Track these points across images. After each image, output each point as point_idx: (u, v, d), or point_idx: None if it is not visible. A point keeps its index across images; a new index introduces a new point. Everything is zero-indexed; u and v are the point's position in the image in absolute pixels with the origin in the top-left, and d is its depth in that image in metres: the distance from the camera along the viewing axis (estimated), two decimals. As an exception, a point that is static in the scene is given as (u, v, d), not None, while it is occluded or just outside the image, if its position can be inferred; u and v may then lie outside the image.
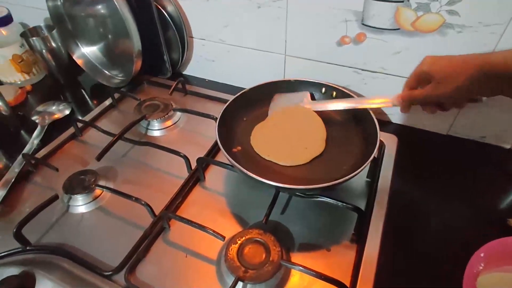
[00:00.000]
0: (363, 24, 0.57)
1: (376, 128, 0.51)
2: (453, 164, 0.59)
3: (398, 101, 0.47)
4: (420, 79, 0.45)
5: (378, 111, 0.68)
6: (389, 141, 0.61)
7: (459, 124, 0.62)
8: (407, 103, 0.47)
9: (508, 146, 0.60)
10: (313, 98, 0.63)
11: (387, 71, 0.61)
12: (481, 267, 0.35)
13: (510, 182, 0.56)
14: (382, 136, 0.61)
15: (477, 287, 0.37)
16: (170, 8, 0.71)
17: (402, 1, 0.51)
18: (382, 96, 0.50)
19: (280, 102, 0.62)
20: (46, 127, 0.68)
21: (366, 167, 0.48)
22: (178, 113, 0.70)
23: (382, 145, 0.60)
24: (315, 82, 0.62)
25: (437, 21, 0.51)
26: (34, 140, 0.65)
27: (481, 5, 0.48)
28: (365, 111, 0.55)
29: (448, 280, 0.41)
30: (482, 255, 0.35)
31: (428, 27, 0.52)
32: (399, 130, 0.65)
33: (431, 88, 0.42)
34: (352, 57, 0.62)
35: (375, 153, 0.48)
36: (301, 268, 0.42)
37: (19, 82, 0.83)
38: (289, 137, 0.57)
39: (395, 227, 0.49)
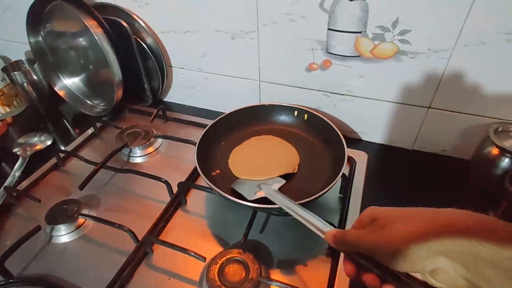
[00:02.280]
0: (327, 52, 0.62)
1: (343, 146, 0.55)
2: (419, 176, 0.64)
3: (329, 236, 0.36)
4: (361, 223, 0.35)
5: (349, 130, 0.72)
6: (360, 158, 0.66)
7: (422, 139, 0.67)
8: (338, 242, 0.34)
9: (467, 158, 0.66)
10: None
11: (354, 93, 0.66)
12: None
13: (470, 191, 0.60)
14: (353, 153, 0.65)
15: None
16: (149, 40, 0.75)
17: (360, 32, 0.57)
18: (325, 224, 0.39)
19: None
20: (27, 159, 0.69)
21: (337, 184, 0.52)
22: (159, 140, 0.73)
23: (353, 162, 0.65)
24: (287, 105, 0.67)
25: (392, 49, 0.57)
26: (15, 172, 0.66)
27: (428, 35, 0.54)
28: (333, 131, 0.59)
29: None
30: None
31: (385, 54, 0.58)
32: (369, 147, 0.70)
33: (369, 229, 0.32)
34: (320, 82, 0.67)
35: (343, 170, 0.51)
36: (278, 283, 0.44)
37: (-1, 115, 0.84)
38: (264, 158, 0.60)
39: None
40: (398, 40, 0.56)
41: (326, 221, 0.39)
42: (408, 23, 0.54)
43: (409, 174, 0.65)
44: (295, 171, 0.58)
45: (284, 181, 0.54)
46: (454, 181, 0.62)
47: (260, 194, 0.50)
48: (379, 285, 0.31)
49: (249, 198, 0.50)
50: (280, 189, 0.51)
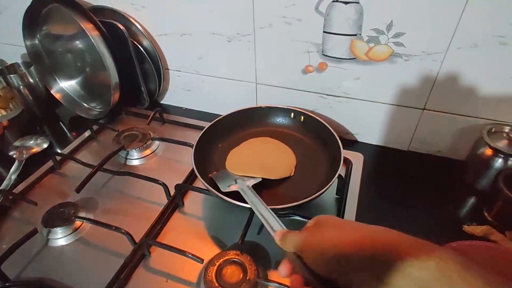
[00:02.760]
0: (323, 54, 0.62)
1: (340, 148, 0.56)
2: (414, 177, 0.65)
3: (277, 235, 0.37)
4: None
5: (345, 131, 0.73)
6: (356, 159, 0.66)
7: (417, 140, 0.68)
8: (281, 240, 0.36)
9: (461, 159, 0.66)
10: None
11: (349, 95, 0.67)
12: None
13: (464, 191, 0.61)
14: (349, 154, 0.66)
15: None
16: (145, 43, 0.76)
17: (355, 35, 0.58)
18: (281, 225, 0.41)
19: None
20: (23, 162, 0.69)
21: (333, 185, 0.52)
22: (156, 142, 0.73)
23: (349, 163, 0.65)
24: (284, 107, 0.67)
25: (387, 52, 0.58)
26: (11, 175, 0.66)
27: (421, 37, 0.55)
28: (330, 133, 0.60)
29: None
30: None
31: (379, 57, 0.59)
32: (365, 149, 0.71)
33: (306, 231, 0.33)
34: (316, 84, 0.68)
35: (339, 171, 0.52)
36: (276, 284, 0.44)
37: (-5, 118, 0.83)
38: (262, 159, 0.60)
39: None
40: (393, 42, 0.56)
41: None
42: (402, 26, 0.54)
43: (404, 175, 0.66)
44: (292, 174, 0.58)
45: (260, 179, 0.55)
46: (449, 182, 0.63)
47: (233, 188, 0.52)
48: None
49: (222, 190, 0.52)
50: (276, 190, 0.52)
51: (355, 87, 0.65)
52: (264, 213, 0.44)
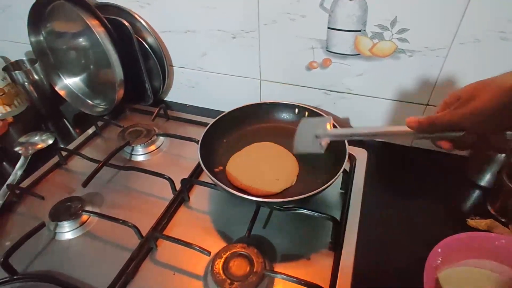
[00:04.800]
0: (327, 50, 0.63)
1: (344, 143, 0.56)
2: (418, 172, 0.65)
3: (413, 122, 0.38)
4: (448, 104, 0.39)
5: (348, 127, 0.73)
6: (360, 155, 0.67)
7: (420, 136, 0.69)
8: (425, 127, 0.38)
9: (465, 154, 0.67)
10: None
11: (353, 91, 0.67)
12: (439, 261, 0.39)
13: (468, 186, 0.62)
14: (353, 150, 0.66)
15: (441, 282, 0.41)
16: (150, 39, 0.76)
17: (360, 31, 0.58)
18: (398, 126, 0.42)
19: (304, 131, 0.56)
20: (29, 158, 0.70)
21: (338, 180, 0.53)
22: (161, 138, 0.73)
23: (353, 159, 0.66)
24: (288, 103, 0.68)
25: (391, 47, 0.58)
26: (17, 171, 0.66)
27: (425, 33, 0.55)
28: (334, 128, 0.60)
29: (416, 276, 0.45)
30: (439, 250, 0.39)
31: (383, 53, 0.59)
32: (369, 144, 0.71)
33: (455, 108, 0.35)
34: (320, 80, 0.68)
35: (344, 166, 0.52)
36: (283, 276, 0.45)
37: (0, 115, 0.84)
38: (263, 168, 0.59)
39: (368, 233, 0.53)
40: (397, 38, 0.57)
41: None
42: (406, 22, 0.55)
43: (408, 170, 0.66)
44: (293, 184, 0.58)
45: (330, 118, 0.53)
46: (452, 176, 0.64)
47: (325, 143, 0.51)
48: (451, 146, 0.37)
49: (321, 151, 0.50)
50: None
51: (358, 83, 0.66)
52: (381, 130, 0.45)
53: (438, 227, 0.55)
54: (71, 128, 0.83)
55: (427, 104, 0.63)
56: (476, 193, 0.60)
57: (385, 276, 0.48)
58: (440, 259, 0.39)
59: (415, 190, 0.62)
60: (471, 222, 0.54)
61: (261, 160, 0.61)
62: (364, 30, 0.58)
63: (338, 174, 0.51)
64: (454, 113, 0.35)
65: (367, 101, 0.67)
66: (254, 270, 0.46)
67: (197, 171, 0.65)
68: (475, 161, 0.62)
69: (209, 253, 0.47)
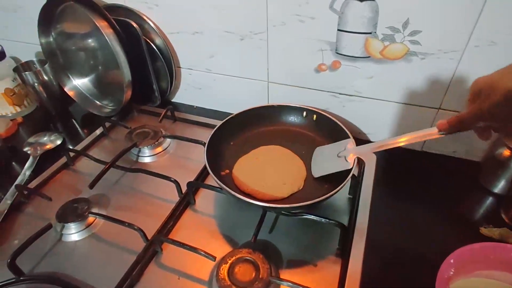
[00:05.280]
0: (337, 53, 0.62)
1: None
2: (428, 178, 0.64)
3: (442, 125, 0.42)
4: (474, 99, 0.39)
5: (358, 131, 0.72)
6: (369, 159, 0.65)
7: (431, 140, 0.67)
8: (456, 127, 0.41)
9: (477, 159, 0.65)
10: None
11: (362, 94, 0.66)
12: (451, 273, 0.38)
13: (481, 193, 0.60)
14: (362, 154, 0.65)
15: (453, 293, 0.40)
16: (158, 41, 0.76)
17: (370, 33, 0.57)
18: (427, 129, 0.45)
19: (322, 156, 0.59)
20: (38, 158, 0.70)
21: (346, 185, 0.52)
22: (168, 140, 0.73)
23: (362, 163, 0.64)
24: (296, 106, 0.67)
25: (402, 50, 0.57)
26: (26, 171, 0.67)
27: (439, 35, 0.54)
28: (343, 132, 0.59)
29: (425, 285, 0.44)
30: (452, 261, 0.38)
31: (395, 55, 0.58)
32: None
33: (479, 102, 0.37)
34: (329, 83, 0.67)
35: (353, 171, 0.51)
36: (289, 283, 0.44)
37: (10, 115, 0.85)
38: (270, 172, 0.58)
39: (377, 240, 0.52)
40: (409, 41, 0.55)
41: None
42: (418, 24, 0.53)
43: (418, 175, 0.64)
44: (301, 188, 0.57)
45: (350, 139, 0.57)
46: (464, 183, 0.62)
47: (351, 159, 0.53)
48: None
49: (349, 167, 0.52)
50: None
51: (368, 86, 0.64)
52: (410, 136, 0.46)
53: (449, 235, 0.53)
54: (79, 129, 0.83)
55: (439, 108, 0.62)
56: (490, 200, 0.59)
57: (394, 285, 0.47)
58: (453, 270, 0.37)
59: (425, 196, 0.60)
60: (484, 230, 0.52)
61: (268, 163, 0.60)
62: (375, 32, 0.57)
63: (347, 179, 0.50)
64: (479, 106, 0.36)
65: (377, 104, 0.66)
66: (260, 276, 0.45)
67: (203, 174, 0.64)
68: (488, 167, 0.60)
69: (214, 258, 0.46)
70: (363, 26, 0.57)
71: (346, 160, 0.53)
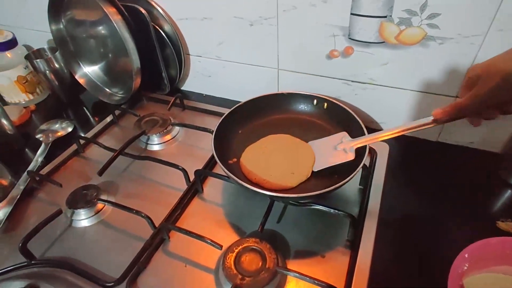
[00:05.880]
0: (350, 38, 0.59)
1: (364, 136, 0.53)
2: (443, 169, 0.61)
3: (439, 113, 0.42)
4: (468, 87, 0.40)
5: (370, 120, 0.70)
6: (381, 149, 0.63)
7: (447, 130, 0.64)
8: (453, 115, 0.41)
9: (496, 151, 0.62)
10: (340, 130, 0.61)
11: (376, 82, 0.64)
12: (465, 268, 0.36)
13: (499, 185, 0.57)
14: (374, 144, 0.63)
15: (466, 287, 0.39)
16: (167, 27, 0.75)
17: (385, 17, 0.54)
18: (423, 119, 0.45)
19: (319, 150, 0.58)
20: (49, 145, 0.71)
21: (357, 175, 0.50)
22: (177, 128, 0.73)
23: (373, 153, 0.62)
24: (306, 94, 0.65)
25: (419, 34, 0.54)
26: (38, 157, 0.68)
27: (459, 18, 0.51)
28: (355, 121, 0.57)
29: (438, 281, 0.42)
30: (466, 255, 0.36)
31: (411, 40, 0.55)
32: (391, 138, 0.67)
33: (478, 87, 0.37)
34: (341, 70, 0.65)
35: (364, 161, 0.50)
36: (296, 274, 0.43)
37: (23, 102, 0.86)
38: (278, 161, 0.57)
39: (387, 232, 0.51)
40: (426, 24, 0.53)
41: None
42: (437, 6, 0.50)
43: (432, 166, 0.62)
44: (309, 176, 0.55)
45: (344, 133, 0.57)
46: (481, 175, 0.60)
47: (353, 150, 0.53)
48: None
49: (351, 158, 0.52)
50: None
51: (382, 73, 0.62)
52: (408, 125, 0.46)
53: (464, 228, 0.51)
54: (90, 116, 0.84)
55: (457, 96, 0.59)
56: (508, 193, 0.56)
57: (404, 279, 0.46)
58: (467, 265, 0.36)
59: (439, 188, 0.58)
60: (502, 224, 0.50)
61: (276, 152, 0.59)
62: (390, 16, 0.54)
63: (357, 169, 0.49)
64: (478, 92, 0.37)
65: (391, 92, 0.64)
66: (267, 266, 0.45)
67: (211, 162, 0.64)
68: (509, 159, 0.57)
69: (221, 247, 0.46)
70: (378, 9, 0.54)
71: (346, 152, 0.53)
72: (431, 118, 0.43)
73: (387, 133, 0.49)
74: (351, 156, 0.53)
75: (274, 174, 0.55)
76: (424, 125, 0.44)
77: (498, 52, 0.51)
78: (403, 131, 0.46)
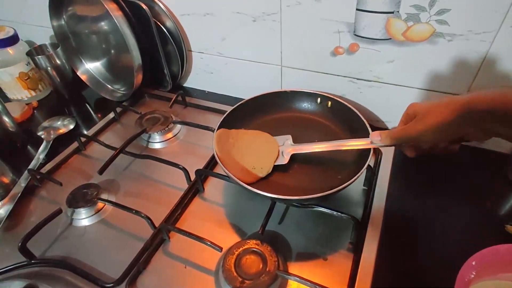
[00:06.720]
0: (355, 34, 0.58)
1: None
2: (451, 170, 0.60)
3: (377, 138, 0.45)
4: (406, 120, 0.44)
5: (375, 119, 0.68)
6: (386, 149, 0.62)
7: (455, 130, 0.62)
8: (387, 141, 0.44)
9: (506, 151, 0.60)
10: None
11: (382, 80, 0.62)
12: (472, 276, 0.35)
13: (509, 187, 0.56)
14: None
15: (472, 295, 0.37)
16: (168, 23, 0.74)
17: (392, 12, 0.53)
18: (360, 139, 0.49)
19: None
20: (51, 142, 0.71)
21: (361, 176, 0.49)
22: (178, 126, 0.72)
23: (378, 153, 0.61)
24: (310, 92, 0.63)
25: (428, 31, 0.52)
26: (39, 155, 0.67)
27: (470, 14, 0.49)
28: (359, 120, 0.56)
29: (442, 286, 0.41)
30: (473, 263, 0.35)
31: (419, 37, 0.53)
32: (396, 137, 0.66)
33: (412, 124, 0.41)
34: (346, 67, 0.63)
35: (368, 162, 0.48)
36: (296, 278, 0.43)
37: (25, 99, 0.86)
38: (243, 155, 0.55)
39: (391, 235, 0.49)
40: (435, 20, 0.51)
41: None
42: (447, 2, 0.48)
43: (439, 167, 0.60)
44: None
45: (289, 136, 0.57)
46: (490, 176, 0.58)
47: (288, 155, 0.54)
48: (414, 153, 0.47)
49: (284, 163, 0.53)
50: (301, 179, 0.53)
51: (388, 70, 0.60)
52: (338, 143, 0.50)
53: (471, 232, 0.50)
54: (92, 113, 0.83)
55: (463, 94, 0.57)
56: (518, 195, 0.54)
57: (408, 284, 0.45)
58: (474, 273, 0.35)
59: (446, 190, 0.56)
60: (510, 228, 0.49)
61: (243, 146, 0.57)
62: (398, 12, 0.52)
63: (362, 170, 0.47)
64: (411, 128, 0.41)
65: (397, 90, 0.62)
66: (267, 269, 0.44)
67: (213, 162, 0.63)
68: (518, 160, 0.56)
69: (221, 249, 0.45)
70: (384, 4, 0.52)
71: (282, 155, 0.55)
72: (369, 139, 0.47)
73: (323, 145, 0.52)
74: (285, 160, 0.54)
75: (239, 170, 0.52)
76: (361, 145, 0.48)
77: (509, 50, 0.49)
78: (338, 146, 0.50)
